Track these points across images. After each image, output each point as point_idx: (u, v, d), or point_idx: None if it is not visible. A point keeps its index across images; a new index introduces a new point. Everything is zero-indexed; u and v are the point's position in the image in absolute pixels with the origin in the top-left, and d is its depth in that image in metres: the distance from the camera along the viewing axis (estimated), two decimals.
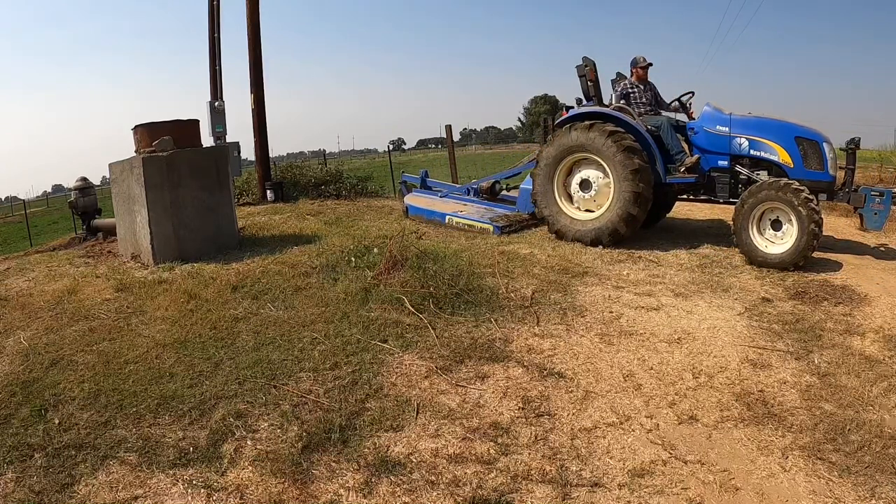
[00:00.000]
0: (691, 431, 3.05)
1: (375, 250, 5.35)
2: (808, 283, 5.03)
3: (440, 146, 58.98)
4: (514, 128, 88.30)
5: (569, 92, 10.04)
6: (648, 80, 6.75)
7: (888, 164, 12.25)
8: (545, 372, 3.60)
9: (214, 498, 2.59)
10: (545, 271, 5.35)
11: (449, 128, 13.31)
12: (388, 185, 13.21)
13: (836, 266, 5.49)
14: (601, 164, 6.22)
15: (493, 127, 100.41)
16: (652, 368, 3.66)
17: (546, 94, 70.01)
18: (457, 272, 4.83)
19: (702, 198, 6.47)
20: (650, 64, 6.68)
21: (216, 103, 9.78)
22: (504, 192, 8.46)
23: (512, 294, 4.75)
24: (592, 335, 4.10)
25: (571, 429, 3.07)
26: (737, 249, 5.74)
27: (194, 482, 2.68)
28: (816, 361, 3.70)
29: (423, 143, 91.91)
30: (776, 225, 5.51)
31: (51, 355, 3.87)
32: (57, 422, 3.12)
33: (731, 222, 5.76)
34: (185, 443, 2.95)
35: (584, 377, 3.56)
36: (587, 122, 6.25)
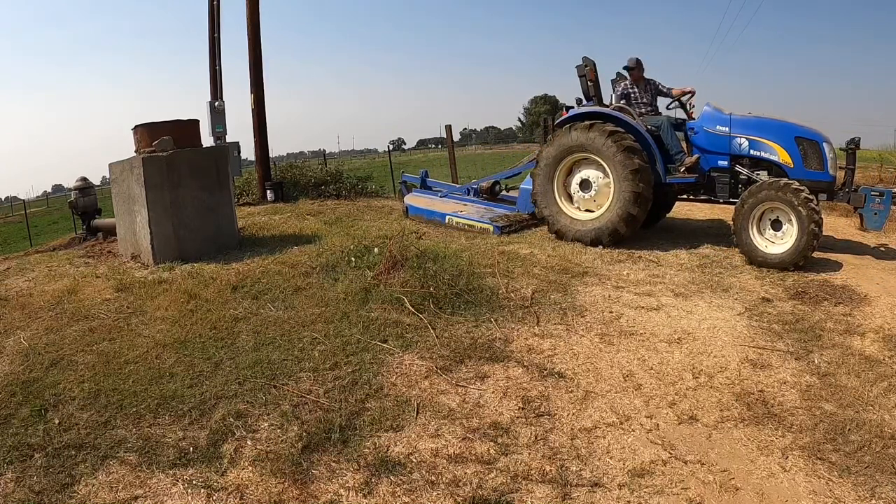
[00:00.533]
0: (691, 431, 3.05)
1: (375, 250, 5.35)
2: (808, 283, 5.03)
3: (440, 146, 58.97)
4: (514, 128, 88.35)
5: (569, 92, 10.07)
6: (646, 78, 6.74)
7: (888, 164, 12.24)
8: (545, 372, 3.60)
9: (214, 498, 2.59)
10: (545, 271, 5.35)
11: (449, 128, 13.32)
12: (388, 185, 13.21)
13: (836, 266, 5.49)
14: (601, 164, 6.22)
15: (493, 127, 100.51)
16: (652, 368, 3.67)
17: (546, 94, 70.06)
18: (457, 272, 4.83)
19: (702, 198, 6.47)
20: (632, 67, 6.62)
21: (216, 103, 9.78)
22: (504, 192, 8.47)
23: (512, 294, 4.75)
24: (592, 335, 4.10)
25: (571, 429, 3.07)
26: (737, 249, 5.74)
27: (194, 482, 2.68)
28: (816, 361, 3.70)
29: (423, 143, 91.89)
30: (776, 225, 5.51)
31: (51, 355, 3.87)
32: (57, 422, 3.12)
33: (731, 222, 5.76)
34: (185, 443, 2.95)
35: (584, 377, 3.56)
36: (587, 122, 6.25)
